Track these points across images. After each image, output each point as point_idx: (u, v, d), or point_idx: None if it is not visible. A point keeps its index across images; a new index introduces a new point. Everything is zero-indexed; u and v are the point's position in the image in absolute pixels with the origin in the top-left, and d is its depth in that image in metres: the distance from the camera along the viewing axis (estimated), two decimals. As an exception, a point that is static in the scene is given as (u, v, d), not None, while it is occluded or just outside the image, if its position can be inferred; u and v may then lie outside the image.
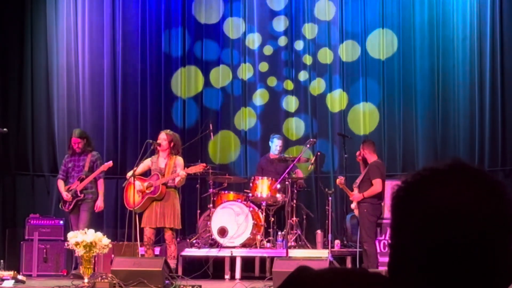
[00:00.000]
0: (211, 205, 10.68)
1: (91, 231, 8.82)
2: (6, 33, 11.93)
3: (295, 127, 12.17)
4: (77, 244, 8.69)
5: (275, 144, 11.16)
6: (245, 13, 12.37)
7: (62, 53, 12.05)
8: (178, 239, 10.21)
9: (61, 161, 10.59)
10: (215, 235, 10.37)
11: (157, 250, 10.29)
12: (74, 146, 10.19)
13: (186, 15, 12.43)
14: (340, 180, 9.99)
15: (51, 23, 12.10)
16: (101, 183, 10.24)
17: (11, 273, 9.02)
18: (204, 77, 12.33)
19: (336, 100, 12.03)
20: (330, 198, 10.36)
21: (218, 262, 10.67)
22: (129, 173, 9.90)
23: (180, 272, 10.07)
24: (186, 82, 12.34)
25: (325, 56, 12.10)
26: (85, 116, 12.01)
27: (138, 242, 9.70)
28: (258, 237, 10.43)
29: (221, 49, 12.39)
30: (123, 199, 10.20)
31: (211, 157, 12.11)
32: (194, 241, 10.67)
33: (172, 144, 9.80)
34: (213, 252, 10.39)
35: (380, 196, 9.71)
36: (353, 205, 9.95)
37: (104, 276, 8.77)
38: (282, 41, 12.28)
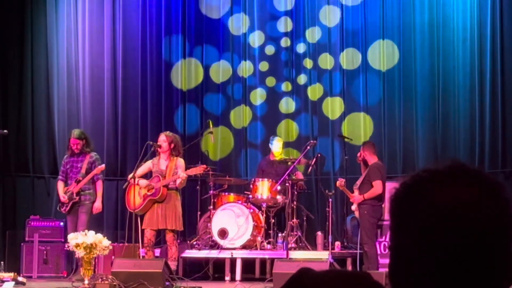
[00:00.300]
0: (211, 207, 10.68)
1: (92, 232, 8.82)
2: (7, 34, 11.93)
3: (295, 128, 12.16)
4: (77, 245, 8.69)
5: (275, 146, 11.16)
6: (251, 11, 12.35)
7: (62, 54, 12.06)
8: (178, 241, 10.20)
9: (61, 162, 10.55)
10: (216, 237, 10.37)
11: (157, 251, 10.28)
12: (72, 147, 10.12)
13: (187, 20, 12.42)
14: (340, 182, 9.99)
15: (51, 24, 12.10)
16: (99, 185, 10.19)
17: (12, 274, 9.02)
18: (204, 72, 12.33)
19: (336, 105, 12.01)
20: (330, 199, 10.36)
21: (219, 264, 10.67)
22: (130, 175, 9.90)
23: (180, 274, 10.06)
24: (186, 75, 12.34)
25: (326, 61, 12.09)
26: (85, 118, 12.01)
27: (140, 244, 9.70)
28: (259, 238, 10.43)
29: (221, 51, 12.38)
30: (124, 201, 10.20)
31: (211, 155, 12.09)
32: (195, 243, 10.67)
33: (172, 146, 9.79)
34: (214, 253, 10.39)
35: (380, 198, 9.71)
36: (353, 207, 9.95)
37: (104, 278, 8.78)
38: (284, 42, 12.27)
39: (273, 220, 10.61)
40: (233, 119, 12.29)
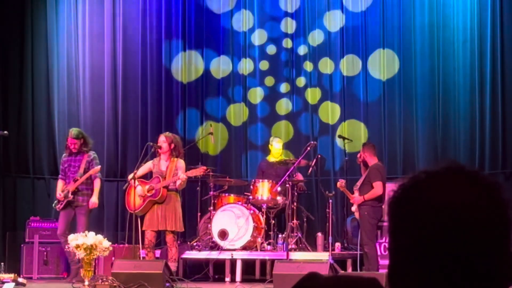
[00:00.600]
0: (211, 208, 10.68)
1: (92, 233, 8.82)
2: (7, 35, 11.94)
3: (295, 129, 12.16)
4: (77, 246, 8.69)
5: (275, 147, 11.17)
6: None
7: (62, 55, 12.06)
8: (178, 242, 10.20)
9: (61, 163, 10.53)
10: (216, 238, 10.37)
11: (158, 252, 10.28)
12: (70, 146, 10.08)
13: (187, 20, 12.43)
14: (341, 183, 10.00)
15: (51, 25, 12.11)
16: (97, 182, 10.11)
17: (12, 275, 9.02)
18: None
19: (335, 110, 12.01)
20: (330, 200, 10.36)
21: (219, 265, 10.68)
22: (130, 176, 9.90)
23: (180, 275, 10.06)
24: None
25: (326, 66, 12.09)
26: (86, 119, 12.01)
27: (140, 245, 9.70)
28: (259, 239, 10.42)
29: (221, 48, 12.35)
30: (124, 202, 10.20)
31: (211, 152, 12.09)
32: (195, 244, 10.66)
33: (172, 146, 9.80)
34: (214, 254, 10.39)
35: (380, 199, 9.72)
36: (353, 208, 9.95)
37: (104, 279, 8.78)
38: (285, 43, 12.25)
39: (273, 221, 10.61)
40: (232, 119, 12.28)
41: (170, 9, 12.40)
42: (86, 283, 8.67)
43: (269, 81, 12.27)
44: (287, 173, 10.58)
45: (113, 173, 12.02)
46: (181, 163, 9.82)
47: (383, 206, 9.73)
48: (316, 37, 12.17)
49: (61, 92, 12.01)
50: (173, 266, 9.54)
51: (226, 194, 10.95)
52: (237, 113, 12.28)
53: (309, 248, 10.52)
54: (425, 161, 11.32)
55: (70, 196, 9.95)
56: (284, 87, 12.24)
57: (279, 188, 10.62)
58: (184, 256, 10.39)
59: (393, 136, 11.73)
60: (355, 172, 10.59)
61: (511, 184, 10.80)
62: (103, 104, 12.08)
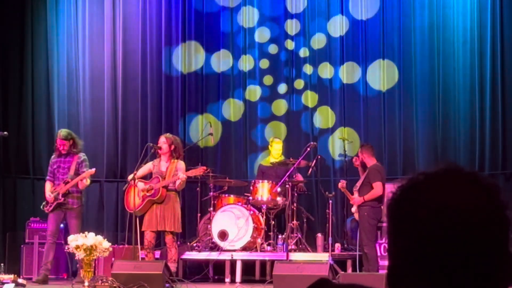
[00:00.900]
0: (211, 209, 10.68)
1: (91, 234, 8.81)
2: (7, 36, 11.95)
3: (295, 130, 12.16)
4: (77, 247, 8.69)
5: (275, 148, 11.17)
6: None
7: (62, 56, 12.06)
8: (178, 243, 10.20)
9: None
10: (216, 239, 10.37)
11: (157, 253, 10.28)
12: (59, 147, 9.88)
13: (187, 19, 12.43)
14: (342, 184, 10.01)
15: (51, 26, 12.11)
16: (85, 181, 9.92)
17: (12, 276, 9.01)
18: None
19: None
20: (330, 201, 10.36)
21: (219, 266, 10.68)
22: (130, 176, 9.91)
23: (180, 276, 10.06)
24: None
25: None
26: (86, 120, 12.02)
27: (139, 246, 9.70)
28: (259, 240, 10.42)
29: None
30: (124, 202, 10.20)
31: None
32: (195, 245, 10.66)
33: (172, 147, 9.80)
34: (214, 255, 10.39)
35: (380, 199, 9.73)
36: (353, 209, 9.95)
37: (104, 280, 8.78)
38: (288, 44, 12.24)
39: (273, 222, 10.61)
40: (232, 119, 12.27)
41: (170, 9, 12.39)
42: (86, 284, 8.66)
43: (269, 80, 12.24)
44: (287, 174, 10.58)
45: (113, 174, 12.03)
46: (181, 164, 9.83)
47: (382, 207, 9.73)
48: (318, 41, 12.13)
49: (61, 93, 12.01)
50: (173, 266, 9.54)
51: (226, 195, 10.95)
52: (236, 114, 12.27)
53: (309, 248, 10.52)
54: (425, 162, 11.32)
55: (61, 198, 9.80)
56: (283, 88, 12.23)
57: (279, 189, 10.62)
58: (184, 256, 10.39)
59: (393, 136, 11.73)
60: (355, 173, 10.59)
61: (511, 185, 10.79)
62: (103, 105, 12.08)
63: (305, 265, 8.89)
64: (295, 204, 10.64)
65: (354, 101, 11.95)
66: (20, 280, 9.11)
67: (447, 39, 11.56)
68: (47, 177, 10.10)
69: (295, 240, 10.50)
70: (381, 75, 11.86)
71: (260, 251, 10.41)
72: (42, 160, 11.86)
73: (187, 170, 9.81)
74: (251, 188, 10.77)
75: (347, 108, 11.98)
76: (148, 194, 9.72)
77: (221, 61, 12.33)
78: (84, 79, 12.09)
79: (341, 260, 10.40)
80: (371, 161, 9.91)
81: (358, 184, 9.93)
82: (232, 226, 10.35)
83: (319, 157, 11.14)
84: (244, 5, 12.37)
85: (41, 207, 10.05)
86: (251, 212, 10.50)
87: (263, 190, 10.68)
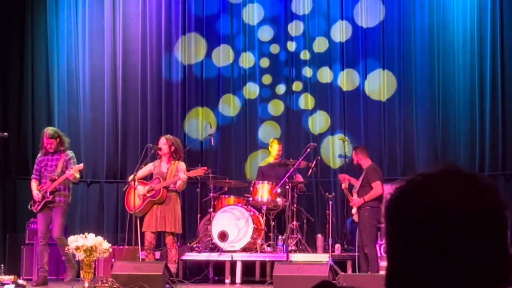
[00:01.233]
0: (211, 209, 10.68)
1: (91, 235, 8.81)
2: (7, 37, 11.95)
3: (295, 131, 12.16)
4: (77, 248, 8.69)
5: (275, 149, 11.17)
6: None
7: (62, 57, 12.07)
8: (178, 243, 10.20)
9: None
10: (216, 239, 10.37)
11: (157, 254, 10.28)
12: (46, 146, 9.75)
13: (187, 18, 12.43)
14: (345, 184, 10.04)
15: (51, 27, 12.12)
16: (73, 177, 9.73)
17: (12, 277, 9.01)
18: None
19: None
20: (330, 202, 10.37)
21: (219, 266, 10.68)
22: (131, 178, 9.90)
23: (180, 277, 10.06)
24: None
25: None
26: (85, 120, 12.02)
27: (139, 247, 9.70)
28: (259, 241, 10.42)
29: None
30: (124, 203, 10.20)
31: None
32: (195, 245, 10.66)
33: (173, 148, 9.80)
34: (214, 256, 10.39)
35: (380, 199, 9.76)
36: (353, 210, 9.95)
37: (104, 281, 8.78)
38: (290, 45, 12.22)
39: (273, 223, 10.61)
40: (232, 118, 12.27)
41: (170, 10, 12.39)
42: (86, 284, 8.67)
43: (268, 80, 12.22)
44: (287, 175, 10.58)
45: (113, 175, 12.03)
46: (182, 165, 9.82)
47: (381, 207, 9.75)
48: (320, 45, 12.10)
49: (61, 94, 12.02)
50: (173, 267, 9.54)
51: (226, 196, 10.95)
52: (236, 114, 12.26)
53: (309, 249, 10.52)
54: (425, 163, 11.32)
55: (50, 197, 9.64)
56: (283, 88, 12.21)
57: (279, 190, 10.62)
58: (184, 257, 10.39)
59: (393, 137, 11.73)
60: (355, 174, 10.60)
61: (511, 186, 10.79)
62: (103, 106, 12.08)
63: (305, 266, 8.89)
64: (295, 205, 10.64)
65: (354, 102, 11.94)
66: (20, 281, 9.10)
67: (447, 40, 11.56)
68: (33, 176, 9.90)
69: (295, 241, 10.50)
70: (381, 81, 11.84)
71: (260, 252, 10.41)
72: (42, 161, 11.86)
73: (187, 170, 9.81)
74: (251, 189, 10.77)
75: (347, 109, 11.97)
76: (148, 194, 9.72)
77: (221, 61, 12.32)
78: (84, 80, 12.09)
79: (341, 261, 10.40)
80: (366, 162, 9.96)
81: (357, 185, 9.94)
82: (232, 227, 10.35)
83: (319, 157, 11.14)
84: (249, 2, 12.33)
85: (29, 206, 9.87)
86: (251, 213, 10.50)
87: (263, 191, 10.68)
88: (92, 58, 12.15)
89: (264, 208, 10.61)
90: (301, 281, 8.39)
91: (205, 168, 10.05)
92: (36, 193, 9.70)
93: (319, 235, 10.74)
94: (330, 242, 10.12)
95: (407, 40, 11.78)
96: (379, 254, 9.94)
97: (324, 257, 10.08)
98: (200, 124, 12.24)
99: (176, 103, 12.26)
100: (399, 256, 1.32)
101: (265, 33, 12.30)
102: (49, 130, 9.88)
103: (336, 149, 11.85)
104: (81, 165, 9.83)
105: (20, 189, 11.78)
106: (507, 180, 10.97)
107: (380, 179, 9.83)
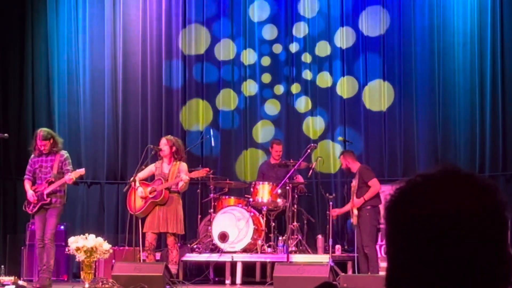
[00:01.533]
0: (211, 210, 10.68)
1: (92, 236, 8.81)
2: (7, 38, 11.95)
3: (296, 131, 12.16)
4: (78, 249, 8.69)
5: (275, 150, 11.17)
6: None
7: (63, 58, 12.08)
8: (179, 244, 10.20)
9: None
10: (216, 240, 10.37)
11: (158, 255, 10.27)
12: (40, 148, 9.53)
13: (187, 17, 12.44)
14: (334, 216, 10.16)
15: (52, 28, 12.12)
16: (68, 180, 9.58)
17: (12, 278, 9.01)
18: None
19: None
20: (331, 203, 10.38)
21: (219, 267, 10.68)
22: (132, 178, 9.89)
23: (181, 277, 10.06)
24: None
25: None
26: (86, 121, 12.03)
27: (140, 248, 9.70)
28: (259, 242, 10.42)
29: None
30: (125, 204, 10.20)
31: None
32: (195, 246, 10.66)
33: (174, 149, 9.79)
34: (214, 257, 10.39)
35: (379, 196, 9.82)
36: (355, 212, 9.91)
37: (104, 281, 8.78)
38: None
39: (273, 224, 10.61)
40: (232, 120, 12.26)
41: (170, 10, 12.39)
42: (87, 285, 8.67)
43: (269, 81, 12.21)
44: (288, 175, 10.58)
45: (113, 175, 12.03)
46: (183, 166, 9.81)
47: (380, 206, 9.81)
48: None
49: (61, 95, 12.02)
50: (173, 268, 9.53)
51: (226, 197, 10.95)
52: (237, 114, 12.26)
53: (309, 250, 10.53)
54: (426, 164, 11.32)
55: (47, 199, 9.48)
56: (283, 89, 12.21)
57: (279, 190, 10.63)
58: (184, 258, 10.39)
59: (393, 138, 11.73)
60: (355, 174, 10.59)
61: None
62: (103, 106, 12.09)
63: (305, 266, 8.89)
64: (295, 206, 10.64)
65: (355, 102, 11.94)
66: (20, 282, 9.10)
67: (447, 41, 11.57)
68: (26, 176, 9.71)
69: (295, 242, 10.50)
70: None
71: (261, 252, 10.41)
72: (42, 162, 11.86)
73: (189, 171, 9.80)
74: (252, 189, 10.77)
75: (347, 110, 11.97)
76: (150, 196, 9.72)
77: (222, 58, 12.31)
78: (84, 81, 12.10)
79: (342, 261, 10.40)
80: (355, 165, 10.07)
81: (354, 189, 9.94)
82: (233, 227, 10.35)
83: (319, 158, 11.14)
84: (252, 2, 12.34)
85: (23, 207, 9.71)
86: (252, 213, 10.50)
87: (264, 192, 10.68)
88: (92, 59, 12.15)
89: (265, 209, 10.61)
90: (301, 282, 8.39)
91: (207, 169, 10.04)
92: (31, 193, 9.53)
93: (320, 236, 10.74)
94: (330, 243, 10.12)
95: (408, 41, 11.77)
96: (379, 255, 9.95)
97: (325, 258, 10.09)
98: (201, 124, 12.23)
99: (176, 104, 12.25)
100: (399, 256, 1.32)
101: (268, 32, 12.27)
102: (42, 131, 9.66)
103: (336, 149, 11.85)
104: (83, 170, 9.69)
105: (20, 190, 11.73)
106: (507, 181, 10.98)
107: (374, 176, 9.96)
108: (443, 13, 11.64)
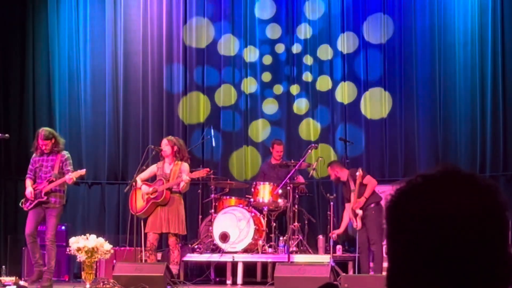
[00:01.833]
0: (212, 210, 10.68)
1: (93, 236, 8.81)
2: (8, 38, 11.96)
3: (296, 131, 12.16)
4: (79, 249, 8.69)
5: (276, 150, 11.17)
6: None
7: (63, 58, 12.08)
8: (179, 245, 10.20)
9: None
10: (217, 241, 10.37)
11: (159, 255, 10.28)
12: (42, 147, 9.56)
13: (187, 19, 12.44)
14: (334, 236, 10.16)
15: (52, 28, 12.13)
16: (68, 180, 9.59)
17: (13, 279, 9.01)
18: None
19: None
20: (331, 203, 10.38)
21: (220, 268, 10.68)
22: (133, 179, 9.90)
23: (182, 278, 10.06)
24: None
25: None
26: (87, 121, 12.03)
27: (142, 248, 9.70)
28: (260, 242, 10.42)
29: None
30: (126, 205, 10.20)
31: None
32: (196, 247, 10.66)
33: (175, 148, 9.79)
34: (215, 257, 10.39)
35: (377, 192, 9.89)
36: (360, 213, 9.87)
37: (106, 282, 8.78)
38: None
39: (274, 224, 10.62)
40: (233, 122, 12.27)
41: (171, 11, 12.39)
42: (88, 286, 8.68)
43: (270, 81, 12.21)
44: (288, 176, 10.58)
45: (114, 176, 12.03)
46: (185, 166, 9.80)
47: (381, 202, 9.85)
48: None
49: (62, 95, 12.03)
50: (174, 269, 9.54)
51: (227, 197, 10.95)
52: (237, 115, 12.26)
53: (310, 250, 10.53)
54: (426, 164, 11.32)
55: (44, 197, 9.48)
56: (283, 89, 12.20)
57: (280, 191, 10.63)
58: (185, 259, 10.39)
59: (394, 138, 11.73)
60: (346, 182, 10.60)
61: (512, 187, 10.81)
62: (104, 107, 12.09)
63: (306, 267, 8.89)
64: (296, 206, 10.64)
65: (355, 103, 11.94)
66: (21, 283, 9.11)
67: (448, 42, 11.56)
68: (27, 175, 9.70)
69: (296, 242, 10.50)
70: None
71: (262, 253, 10.41)
72: (43, 162, 11.87)
73: (190, 172, 9.80)
74: (252, 190, 10.77)
75: (347, 110, 11.97)
76: (152, 196, 9.72)
77: (222, 56, 12.31)
78: (85, 81, 12.10)
79: (343, 261, 10.40)
80: (344, 173, 10.10)
81: (354, 193, 9.92)
82: (234, 228, 10.35)
83: (320, 158, 11.14)
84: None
85: (20, 204, 9.72)
86: (253, 214, 10.50)
87: (265, 192, 10.68)
88: (93, 59, 12.16)
89: (265, 209, 10.61)
90: (302, 282, 8.40)
91: (208, 169, 10.03)
92: (30, 190, 9.53)
93: (321, 236, 10.74)
94: (331, 243, 10.13)
95: (408, 42, 11.77)
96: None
97: (326, 258, 10.09)
98: (202, 117, 12.21)
99: (177, 104, 12.25)
100: (400, 256, 1.32)
101: (271, 31, 12.25)
102: (43, 131, 9.66)
103: (336, 150, 11.85)
104: (83, 170, 9.68)
105: (21, 191, 11.73)
106: (508, 181, 10.97)
107: (367, 173, 9.97)
108: (444, 14, 11.63)
